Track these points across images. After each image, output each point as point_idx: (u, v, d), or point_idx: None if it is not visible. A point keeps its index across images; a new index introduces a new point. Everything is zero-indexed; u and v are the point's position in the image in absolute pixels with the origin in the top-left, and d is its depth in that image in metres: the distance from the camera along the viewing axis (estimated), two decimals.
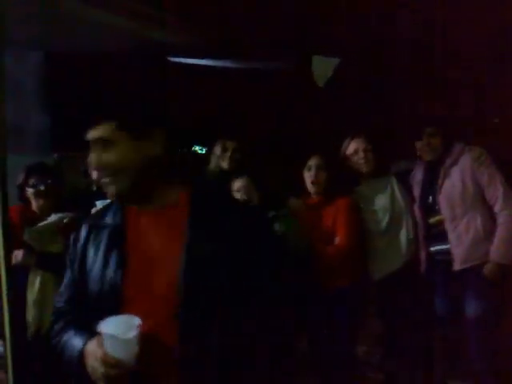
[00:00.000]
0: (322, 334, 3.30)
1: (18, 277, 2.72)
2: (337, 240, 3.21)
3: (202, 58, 5.24)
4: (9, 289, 2.41)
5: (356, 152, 3.36)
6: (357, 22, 4.41)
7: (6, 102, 2.53)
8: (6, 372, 2.58)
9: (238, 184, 3.27)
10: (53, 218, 3.15)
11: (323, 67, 4.75)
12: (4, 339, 2.50)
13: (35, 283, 3.06)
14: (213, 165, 3.67)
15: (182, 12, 4.53)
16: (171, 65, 5.26)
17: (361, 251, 3.33)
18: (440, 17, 4.46)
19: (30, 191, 3.23)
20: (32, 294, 3.06)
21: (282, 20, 4.68)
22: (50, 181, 3.23)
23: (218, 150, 3.66)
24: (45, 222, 3.13)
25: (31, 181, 3.22)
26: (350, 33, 4.45)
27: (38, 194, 3.22)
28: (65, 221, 3.13)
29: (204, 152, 5.63)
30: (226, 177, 3.42)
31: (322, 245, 3.20)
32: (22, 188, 3.25)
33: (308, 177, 3.33)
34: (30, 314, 3.06)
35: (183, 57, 5.22)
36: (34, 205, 3.25)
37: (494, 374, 3.08)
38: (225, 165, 3.61)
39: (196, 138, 5.74)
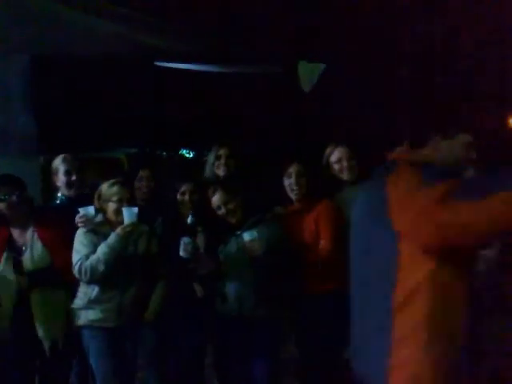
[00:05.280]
0: (310, 336, 3.31)
1: None
2: (321, 244, 3.24)
3: (190, 63, 5.26)
4: None
5: (339, 160, 3.39)
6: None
7: None
8: None
9: (215, 201, 3.22)
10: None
11: (309, 72, 4.77)
12: None
13: (35, 301, 3.01)
14: (208, 173, 3.70)
15: (171, 17, 4.54)
16: (159, 69, 5.27)
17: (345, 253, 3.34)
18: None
19: (2, 206, 3.02)
20: (36, 310, 3.01)
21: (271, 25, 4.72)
22: (19, 191, 3.04)
23: (211, 158, 3.70)
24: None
25: (1, 194, 3.01)
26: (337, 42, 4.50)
27: (11, 206, 3.02)
28: None
29: (191, 156, 5.65)
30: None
31: (307, 249, 3.22)
32: None
33: (288, 184, 3.35)
34: (40, 330, 3.02)
35: (171, 61, 5.23)
36: (11, 219, 3.06)
37: None
38: (220, 172, 3.64)
39: (183, 142, 5.75)
